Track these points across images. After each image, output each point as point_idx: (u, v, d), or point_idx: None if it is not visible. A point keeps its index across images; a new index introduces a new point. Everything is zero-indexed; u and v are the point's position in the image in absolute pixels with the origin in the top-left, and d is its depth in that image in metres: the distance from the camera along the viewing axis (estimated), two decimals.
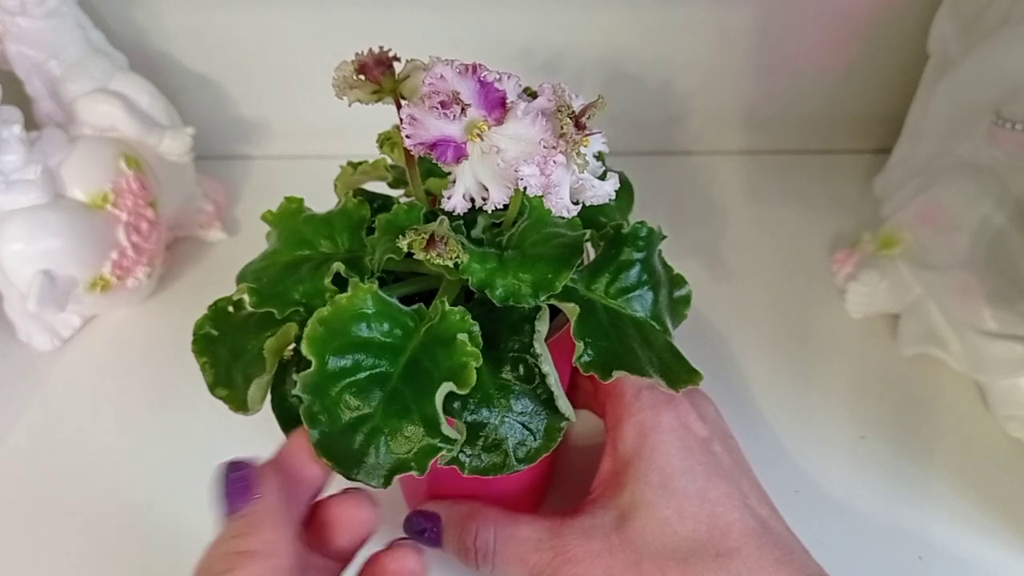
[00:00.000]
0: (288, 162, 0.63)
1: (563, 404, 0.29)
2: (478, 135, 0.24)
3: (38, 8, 0.46)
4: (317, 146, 0.62)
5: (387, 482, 0.26)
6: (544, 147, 0.24)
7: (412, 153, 0.28)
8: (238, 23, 0.56)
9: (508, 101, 0.24)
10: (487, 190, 0.25)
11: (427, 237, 0.27)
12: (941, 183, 0.47)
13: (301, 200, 0.32)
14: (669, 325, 0.33)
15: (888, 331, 0.49)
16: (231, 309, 0.32)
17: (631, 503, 0.31)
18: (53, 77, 0.49)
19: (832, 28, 0.56)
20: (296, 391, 0.26)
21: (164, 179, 0.52)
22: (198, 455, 0.43)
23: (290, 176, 0.61)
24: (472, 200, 0.25)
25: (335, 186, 0.36)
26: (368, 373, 0.27)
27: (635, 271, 0.32)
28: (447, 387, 0.26)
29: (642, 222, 0.32)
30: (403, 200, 0.35)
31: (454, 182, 0.25)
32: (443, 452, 0.26)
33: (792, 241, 0.56)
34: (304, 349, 0.26)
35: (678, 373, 0.30)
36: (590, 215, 0.33)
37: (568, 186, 0.26)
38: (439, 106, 0.24)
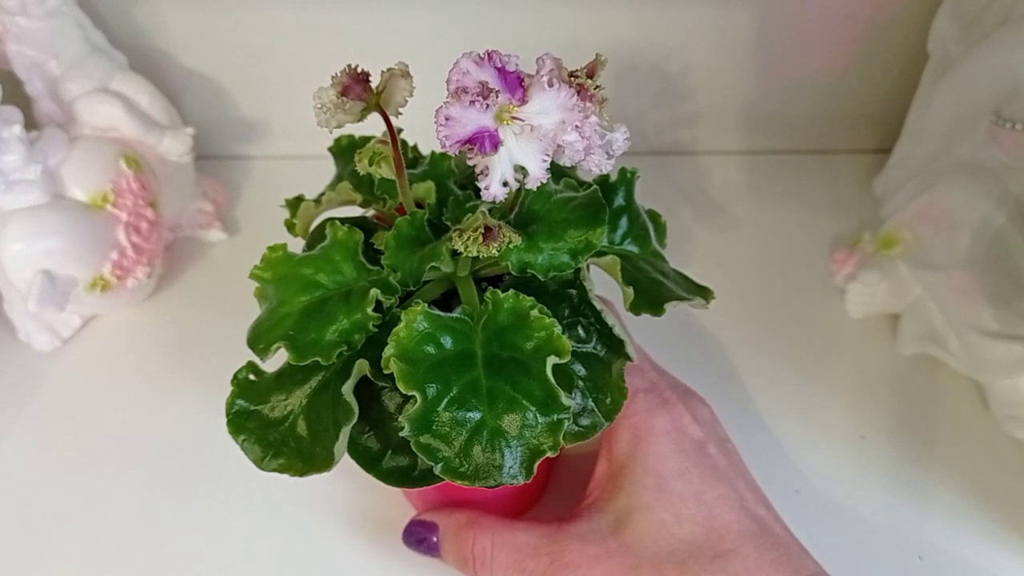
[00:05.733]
0: (288, 162, 0.63)
1: (631, 348, 0.30)
2: (511, 118, 0.24)
3: (38, 8, 0.46)
4: (317, 146, 0.61)
5: (529, 474, 0.26)
6: (580, 111, 0.25)
7: (401, 166, 0.28)
8: (238, 23, 0.56)
9: (524, 79, 0.24)
10: (521, 171, 0.25)
11: (483, 231, 0.27)
12: (941, 183, 0.47)
13: (284, 245, 0.31)
14: (664, 255, 0.34)
15: (888, 331, 0.49)
16: (252, 377, 0.31)
17: (627, 507, 0.31)
18: (53, 77, 0.49)
19: (832, 28, 0.56)
20: (404, 433, 0.26)
21: (164, 179, 0.52)
22: (198, 454, 0.44)
23: (290, 176, 0.61)
24: (506, 183, 0.25)
25: (290, 226, 0.35)
26: (458, 387, 0.27)
27: (626, 216, 0.33)
28: (552, 360, 0.26)
29: (623, 168, 0.33)
30: (369, 216, 0.35)
31: (483, 174, 0.25)
32: (566, 422, 0.26)
33: (792, 241, 0.56)
34: (404, 389, 0.26)
35: (696, 293, 0.32)
36: (564, 174, 0.34)
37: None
38: (480, 98, 0.24)
